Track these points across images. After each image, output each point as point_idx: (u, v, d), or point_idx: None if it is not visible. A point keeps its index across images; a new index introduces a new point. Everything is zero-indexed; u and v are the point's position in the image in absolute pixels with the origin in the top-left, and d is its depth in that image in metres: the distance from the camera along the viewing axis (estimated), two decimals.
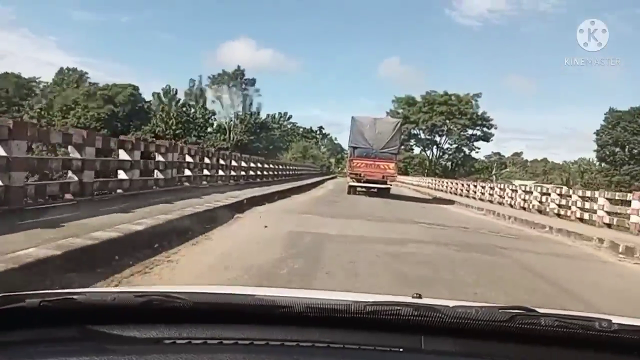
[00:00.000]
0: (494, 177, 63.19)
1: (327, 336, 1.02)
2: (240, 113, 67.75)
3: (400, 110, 67.56)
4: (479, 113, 65.73)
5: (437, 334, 1.04)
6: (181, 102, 61.17)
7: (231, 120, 65.87)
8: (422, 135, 70.15)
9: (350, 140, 21.98)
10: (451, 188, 33.04)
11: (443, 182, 38.50)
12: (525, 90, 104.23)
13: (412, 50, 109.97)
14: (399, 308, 1.05)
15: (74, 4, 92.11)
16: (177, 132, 58.11)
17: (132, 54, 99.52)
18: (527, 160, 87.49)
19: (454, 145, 68.95)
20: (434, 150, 70.20)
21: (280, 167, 28.85)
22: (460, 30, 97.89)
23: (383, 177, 21.31)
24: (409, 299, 1.27)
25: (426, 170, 68.91)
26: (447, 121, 63.97)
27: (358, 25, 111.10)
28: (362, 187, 21.91)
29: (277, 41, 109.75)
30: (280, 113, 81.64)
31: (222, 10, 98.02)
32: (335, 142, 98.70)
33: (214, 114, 63.54)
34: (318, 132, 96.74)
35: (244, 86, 63.43)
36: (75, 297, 1.04)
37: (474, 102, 65.62)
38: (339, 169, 77.62)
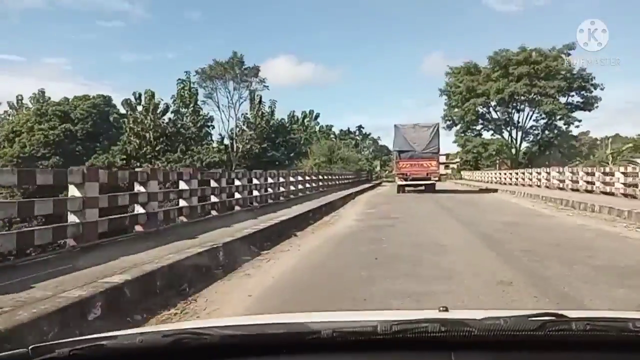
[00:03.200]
0: (609, 157, 43.58)
1: None
2: (249, 115, 52.05)
3: (461, 84, 49.04)
4: (575, 71, 46.10)
5: (467, 349, 1.01)
6: (167, 109, 46.04)
7: (237, 126, 50.16)
8: (494, 114, 51.28)
9: (395, 145, 24.81)
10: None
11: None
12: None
13: (454, 43, 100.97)
14: (426, 325, 1.03)
15: (121, 47, 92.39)
16: (158, 148, 42.97)
17: None
18: (596, 139, 67.81)
19: (542, 121, 49.46)
20: (513, 132, 50.99)
21: (259, 182, 12.09)
22: (499, 16, 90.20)
23: (427, 174, 23.30)
24: (435, 313, 1.25)
25: (507, 161, 49.88)
26: (532, 88, 44.79)
27: (394, 26, 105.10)
28: (409, 185, 23.47)
29: (316, 53, 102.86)
30: (304, 112, 65.47)
31: (259, 31, 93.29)
32: (380, 142, 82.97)
33: (211, 120, 48.10)
34: (357, 133, 79.92)
35: (244, 77, 47.54)
36: (104, 342, 1.06)
37: (564, 57, 46.16)
38: (386, 172, 59.99)
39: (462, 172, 52.70)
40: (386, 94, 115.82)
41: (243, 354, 1.04)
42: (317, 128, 66.13)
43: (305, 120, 64.57)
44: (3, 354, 1.01)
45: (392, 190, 29.13)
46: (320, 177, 24.69)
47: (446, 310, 1.30)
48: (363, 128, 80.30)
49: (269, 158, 50.47)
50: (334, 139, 59.60)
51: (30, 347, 1.01)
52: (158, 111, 44.57)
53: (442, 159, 67.03)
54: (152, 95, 44.80)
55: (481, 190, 27.22)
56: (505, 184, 30.05)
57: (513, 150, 49.92)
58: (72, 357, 1.00)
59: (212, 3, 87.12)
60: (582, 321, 1.03)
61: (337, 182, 29.47)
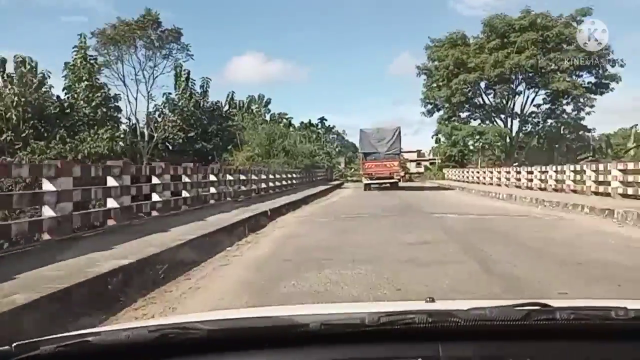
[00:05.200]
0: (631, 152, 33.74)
1: (344, 353, 1.02)
2: (173, 95, 39.88)
3: (448, 59, 37.97)
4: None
5: (454, 340, 1.03)
6: (44, 81, 33.10)
7: (155, 109, 37.99)
8: (486, 99, 40.75)
9: (361, 148, 26.79)
10: None
11: None
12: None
13: (421, 45, 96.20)
14: (413, 316, 1.04)
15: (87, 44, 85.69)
16: (27, 133, 30.26)
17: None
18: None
19: (545, 106, 39.23)
20: (509, 121, 40.47)
21: None
22: (467, 21, 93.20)
23: (390, 173, 25.11)
24: (422, 304, 1.26)
25: (501, 154, 39.40)
26: (540, 60, 34.19)
27: (363, 28, 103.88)
28: (374, 183, 25.20)
29: (285, 51, 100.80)
30: (251, 96, 53.49)
31: (225, 28, 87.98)
32: (346, 137, 72.94)
33: (115, 99, 35.40)
34: (319, 126, 68.59)
35: (161, 43, 35.19)
36: (89, 338, 1.04)
37: (576, 25, 35.99)
38: (352, 170, 48.88)
39: (444, 170, 41.98)
40: (354, 93, 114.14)
41: (230, 348, 1.02)
42: (268, 116, 54.23)
43: (252, 106, 52.58)
44: None
45: (355, 196, 19.18)
46: (215, 178, 13.05)
47: (433, 301, 1.30)
48: (326, 120, 68.87)
49: (196, 150, 38.54)
50: (284, 127, 48.06)
51: (13, 345, 0.98)
52: (32, 83, 31.71)
53: (414, 156, 56.43)
54: (24, 61, 31.91)
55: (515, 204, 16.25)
56: (527, 187, 19.17)
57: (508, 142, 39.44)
58: (57, 354, 0.98)
59: (181, 1, 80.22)
60: (566, 310, 1.04)
61: (265, 186, 17.90)
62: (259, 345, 1.02)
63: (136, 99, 35.12)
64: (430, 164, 56.64)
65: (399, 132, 25.86)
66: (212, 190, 12.87)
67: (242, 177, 15.04)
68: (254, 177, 16.12)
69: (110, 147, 28.84)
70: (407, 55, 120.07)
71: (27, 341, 1.00)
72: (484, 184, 26.95)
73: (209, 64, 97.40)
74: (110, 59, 33.69)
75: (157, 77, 35.62)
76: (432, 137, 47.37)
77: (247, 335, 1.06)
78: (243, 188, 14.91)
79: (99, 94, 34.37)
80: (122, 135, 31.42)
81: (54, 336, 1.07)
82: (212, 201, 12.02)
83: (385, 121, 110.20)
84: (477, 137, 37.09)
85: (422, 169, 56.41)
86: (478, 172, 29.31)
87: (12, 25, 67.91)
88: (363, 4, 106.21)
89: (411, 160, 62.35)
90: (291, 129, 55.46)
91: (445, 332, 1.02)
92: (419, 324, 1.01)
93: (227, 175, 13.68)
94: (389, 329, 1.01)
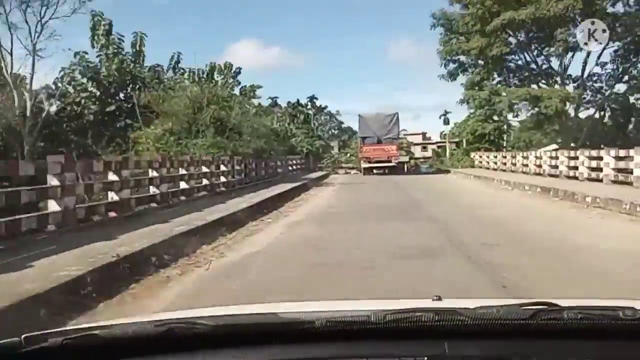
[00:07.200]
0: None
1: (349, 350, 1.02)
2: (96, 55, 27.78)
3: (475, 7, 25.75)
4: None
5: (460, 338, 1.03)
6: None
7: (61, 75, 26.19)
8: (527, 57, 28.86)
9: (360, 133, 28.35)
10: None
11: None
12: None
13: (421, 30, 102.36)
14: (419, 314, 1.04)
15: (82, 33, 72.43)
16: None
17: None
18: None
19: (610, 67, 27.48)
20: (565, 86, 28.57)
21: None
22: None
23: (388, 157, 25.92)
24: (429, 302, 1.26)
25: (557, 135, 27.65)
26: None
27: (362, 12, 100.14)
28: (373, 167, 26.16)
29: (283, 37, 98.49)
30: (214, 63, 41.04)
31: (221, 15, 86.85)
32: (340, 118, 62.51)
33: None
34: (308, 105, 56.56)
35: None
36: (97, 332, 1.06)
37: None
38: (347, 155, 37.24)
39: (472, 155, 30.24)
40: (353, 79, 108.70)
41: (236, 343, 1.02)
42: (237, 89, 41.78)
43: (217, 77, 40.21)
44: None
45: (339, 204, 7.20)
46: None
47: (439, 299, 1.29)
48: (317, 99, 56.89)
49: (117, 128, 26.80)
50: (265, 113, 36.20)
51: (22, 337, 1.00)
52: None
53: (419, 139, 53.57)
54: None
55: None
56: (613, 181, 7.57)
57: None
58: (64, 347, 0.99)
59: None
60: (573, 310, 1.03)
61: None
62: (263, 341, 1.01)
63: (11, 53, 23.07)
64: (438, 147, 46.41)
65: (397, 118, 27.38)
66: None
67: None
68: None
69: None
70: (407, 40, 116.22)
71: (35, 333, 1.01)
72: (566, 176, 15.45)
73: (205, 50, 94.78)
74: None
75: (46, 22, 23.56)
76: (440, 117, 37.68)
77: (252, 331, 1.05)
78: None
79: None
80: None
81: (62, 329, 1.08)
82: None
83: (385, 106, 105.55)
84: (530, 105, 25.16)
85: (428, 153, 47.78)
86: (550, 157, 17.63)
87: None
88: None
89: (416, 144, 51.45)
90: (278, 112, 43.60)
91: (451, 330, 1.00)
92: (426, 322, 1.00)
93: None
94: (395, 326, 1.00)
